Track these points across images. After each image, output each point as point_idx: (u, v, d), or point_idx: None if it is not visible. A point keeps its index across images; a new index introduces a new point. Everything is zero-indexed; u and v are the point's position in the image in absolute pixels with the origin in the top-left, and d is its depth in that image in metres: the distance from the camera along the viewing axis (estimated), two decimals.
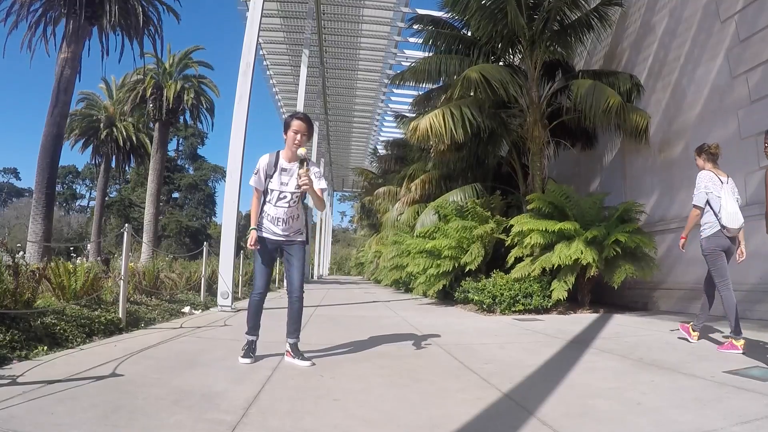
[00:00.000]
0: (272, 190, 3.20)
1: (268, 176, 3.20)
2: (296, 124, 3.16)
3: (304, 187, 3.06)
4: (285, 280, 3.37)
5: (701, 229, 3.82)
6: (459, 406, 2.24)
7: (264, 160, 3.23)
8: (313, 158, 24.12)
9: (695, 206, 3.82)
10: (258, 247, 3.17)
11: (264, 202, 3.25)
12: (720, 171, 3.87)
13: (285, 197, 3.20)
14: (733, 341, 3.49)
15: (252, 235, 3.17)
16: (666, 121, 7.40)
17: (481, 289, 6.89)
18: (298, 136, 3.15)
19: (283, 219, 3.20)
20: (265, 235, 3.22)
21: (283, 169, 3.20)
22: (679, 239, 4.11)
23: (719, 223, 3.66)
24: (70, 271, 4.65)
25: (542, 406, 2.22)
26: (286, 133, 3.20)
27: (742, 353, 3.35)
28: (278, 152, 3.26)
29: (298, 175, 3.05)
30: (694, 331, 3.99)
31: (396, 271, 11.69)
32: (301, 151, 3.07)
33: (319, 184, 3.16)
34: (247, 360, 3.14)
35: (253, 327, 3.26)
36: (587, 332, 4.80)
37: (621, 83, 7.81)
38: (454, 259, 7.92)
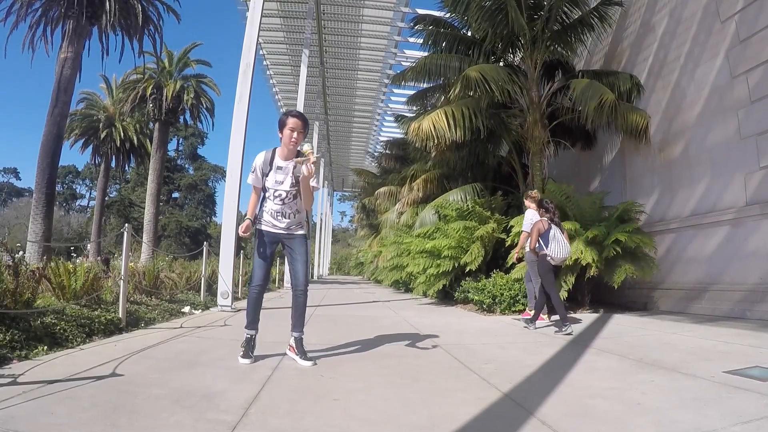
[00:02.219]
0: (268, 188, 3.21)
1: (264, 174, 3.21)
2: (292, 122, 3.14)
3: (308, 175, 3.05)
4: (289, 276, 3.37)
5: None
6: (459, 406, 2.24)
7: (260, 158, 3.23)
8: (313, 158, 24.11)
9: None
10: (248, 234, 3.19)
11: (264, 198, 3.26)
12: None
13: (280, 195, 3.20)
14: (543, 316, 5.45)
15: (245, 223, 3.19)
16: (666, 120, 7.40)
17: (481, 289, 6.89)
18: (295, 134, 3.14)
19: (282, 213, 3.21)
20: (265, 228, 3.23)
21: (279, 168, 3.19)
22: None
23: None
24: (70, 271, 4.65)
25: (542, 406, 2.22)
26: (281, 132, 3.18)
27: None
28: (274, 150, 3.25)
29: (304, 162, 3.04)
30: (531, 321, 5.23)
31: (396, 271, 11.68)
32: (307, 146, 3.10)
33: (312, 182, 3.16)
34: (247, 360, 3.13)
35: (253, 321, 3.25)
36: (587, 332, 4.80)
37: (621, 83, 7.82)
38: (454, 259, 7.92)
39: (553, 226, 5.08)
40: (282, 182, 3.19)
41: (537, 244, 5.08)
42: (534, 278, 5.55)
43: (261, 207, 3.27)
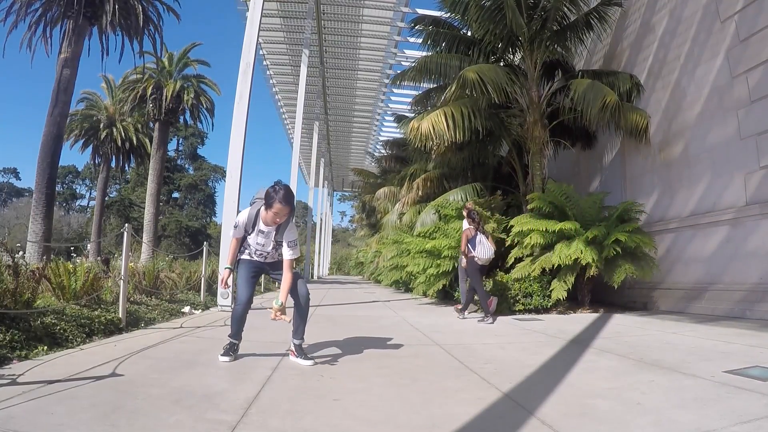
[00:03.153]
0: (250, 245, 3.31)
1: (246, 232, 3.30)
2: (277, 207, 3.07)
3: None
4: (291, 294, 3.39)
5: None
6: (459, 405, 2.24)
7: (243, 216, 3.29)
8: (313, 158, 24.14)
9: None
10: (228, 287, 3.37)
11: (244, 239, 3.34)
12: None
13: (262, 254, 3.33)
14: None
15: (225, 273, 3.33)
16: (666, 120, 7.40)
17: None
18: (277, 218, 3.16)
19: (264, 256, 3.34)
20: (245, 258, 3.34)
21: (261, 231, 3.26)
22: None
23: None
24: (70, 271, 4.65)
25: (542, 405, 2.22)
26: (267, 206, 3.13)
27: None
28: (257, 212, 3.23)
29: (273, 310, 3.06)
30: (461, 310, 6.24)
31: (396, 271, 11.66)
32: (278, 302, 3.05)
33: (292, 255, 3.18)
34: (227, 358, 3.19)
35: (237, 332, 3.31)
36: (587, 332, 4.80)
37: (621, 83, 7.81)
38: (454, 259, 7.90)
39: (478, 233, 6.07)
40: (263, 244, 3.30)
41: (466, 248, 5.99)
42: (462, 277, 6.54)
43: (242, 247, 3.36)
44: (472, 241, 6.01)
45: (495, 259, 8.08)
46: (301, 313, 3.27)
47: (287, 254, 3.18)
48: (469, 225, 6.15)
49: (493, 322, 5.47)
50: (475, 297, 6.22)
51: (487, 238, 6.12)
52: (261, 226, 3.23)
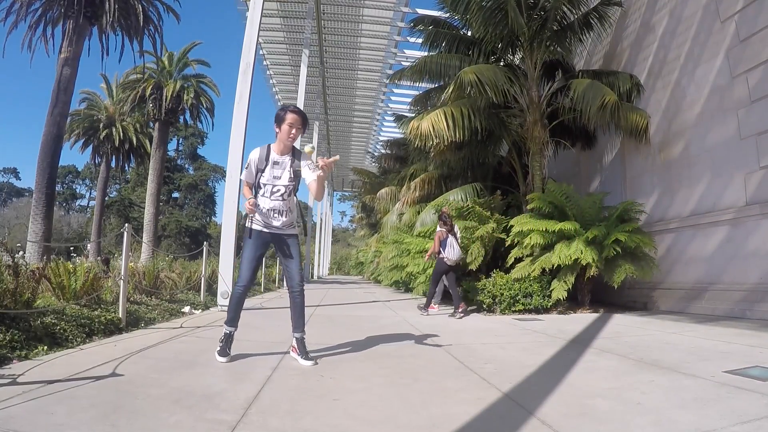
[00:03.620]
0: (264, 185, 3.17)
1: (260, 170, 3.17)
2: (291, 117, 3.11)
3: (325, 171, 3.04)
4: (284, 278, 3.34)
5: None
6: (459, 405, 2.24)
7: (255, 154, 3.18)
8: (314, 158, 24.09)
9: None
10: (255, 211, 3.13)
11: (255, 196, 3.21)
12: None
13: (278, 190, 3.17)
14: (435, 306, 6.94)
15: (251, 200, 3.12)
16: (666, 120, 7.40)
17: (481, 288, 6.89)
18: (293, 130, 3.12)
19: (279, 211, 3.17)
20: (256, 227, 3.18)
21: (275, 163, 3.16)
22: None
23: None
24: (70, 271, 4.65)
25: (542, 405, 2.22)
26: (278, 127, 3.14)
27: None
28: (269, 146, 3.21)
29: (316, 164, 3.05)
30: (436, 305, 6.94)
31: (396, 271, 11.68)
32: (309, 147, 3.13)
33: (313, 176, 3.13)
34: (224, 358, 3.09)
35: (234, 318, 3.21)
36: (587, 332, 4.80)
37: (621, 83, 7.81)
38: None
39: (449, 235, 6.48)
40: (279, 177, 3.16)
41: (438, 249, 6.52)
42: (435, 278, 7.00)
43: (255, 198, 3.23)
44: (443, 243, 6.49)
45: (495, 259, 8.14)
46: (296, 304, 3.20)
47: (310, 176, 3.10)
48: (441, 228, 6.61)
49: (426, 315, 6.35)
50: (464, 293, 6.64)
51: (457, 240, 6.59)
52: (274, 156, 3.16)
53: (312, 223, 28.77)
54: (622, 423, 1.99)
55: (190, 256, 13.57)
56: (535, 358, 3.36)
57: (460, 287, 7.33)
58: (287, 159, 3.16)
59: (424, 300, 7.03)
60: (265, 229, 3.19)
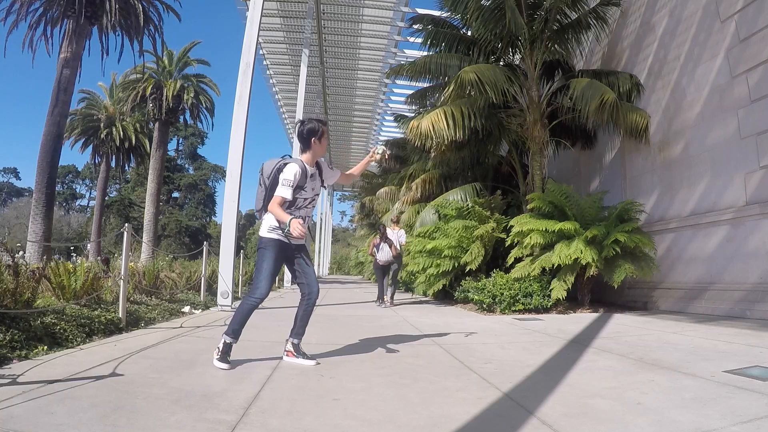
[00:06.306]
0: (306, 198, 3.16)
1: (300, 187, 3.09)
2: (324, 130, 3.24)
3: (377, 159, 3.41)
4: (298, 281, 3.24)
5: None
6: (459, 405, 2.24)
7: (297, 172, 3.04)
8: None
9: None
10: (305, 232, 3.01)
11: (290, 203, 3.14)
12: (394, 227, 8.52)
13: (313, 200, 3.25)
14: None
15: (297, 221, 2.92)
16: (666, 120, 7.40)
17: (481, 288, 6.89)
18: (324, 146, 3.25)
19: (305, 219, 3.20)
20: (278, 238, 3.08)
21: (311, 176, 3.19)
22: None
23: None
24: (70, 271, 4.65)
25: (542, 405, 2.22)
26: (318, 140, 3.18)
27: None
28: (301, 161, 3.15)
29: (374, 154, 3.40)
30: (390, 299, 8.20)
31: None
32: (381, 148, 3.39)
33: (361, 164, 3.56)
34: (225, 365, 2.92)
35: (237, 331, 3.03)
36: (587, 332, 4.80)
37: (621, 83, 7.81)
38: (454, 259, 7.92)
39: (382, 242, 8.05)
40: (315, 188, 3.23)
41: (371, 252, 8.35)
42: (380, 275, 8.46)
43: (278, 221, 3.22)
44: (377, 247, 8.17)
45: (495, 259, 8.16)
46: (307, 312, 3.19)
47: (336, 174, 3.41)
48: (376, 237, 8.43)
49: (384, 307, 7.74)
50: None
51: (390, 246, 7.98)
52: (309, 170, 3.18)
53: (312, 223, 28.75)
54: (622, 423, 1.99)
55: (190, 255, 13.56)
56: (535, 358, 3.36)
57: (398, 284, 9.04)
58: (315, 169, 3.22)
59: (423, 299, 7.08)
60: (293, 241, 3.13)
